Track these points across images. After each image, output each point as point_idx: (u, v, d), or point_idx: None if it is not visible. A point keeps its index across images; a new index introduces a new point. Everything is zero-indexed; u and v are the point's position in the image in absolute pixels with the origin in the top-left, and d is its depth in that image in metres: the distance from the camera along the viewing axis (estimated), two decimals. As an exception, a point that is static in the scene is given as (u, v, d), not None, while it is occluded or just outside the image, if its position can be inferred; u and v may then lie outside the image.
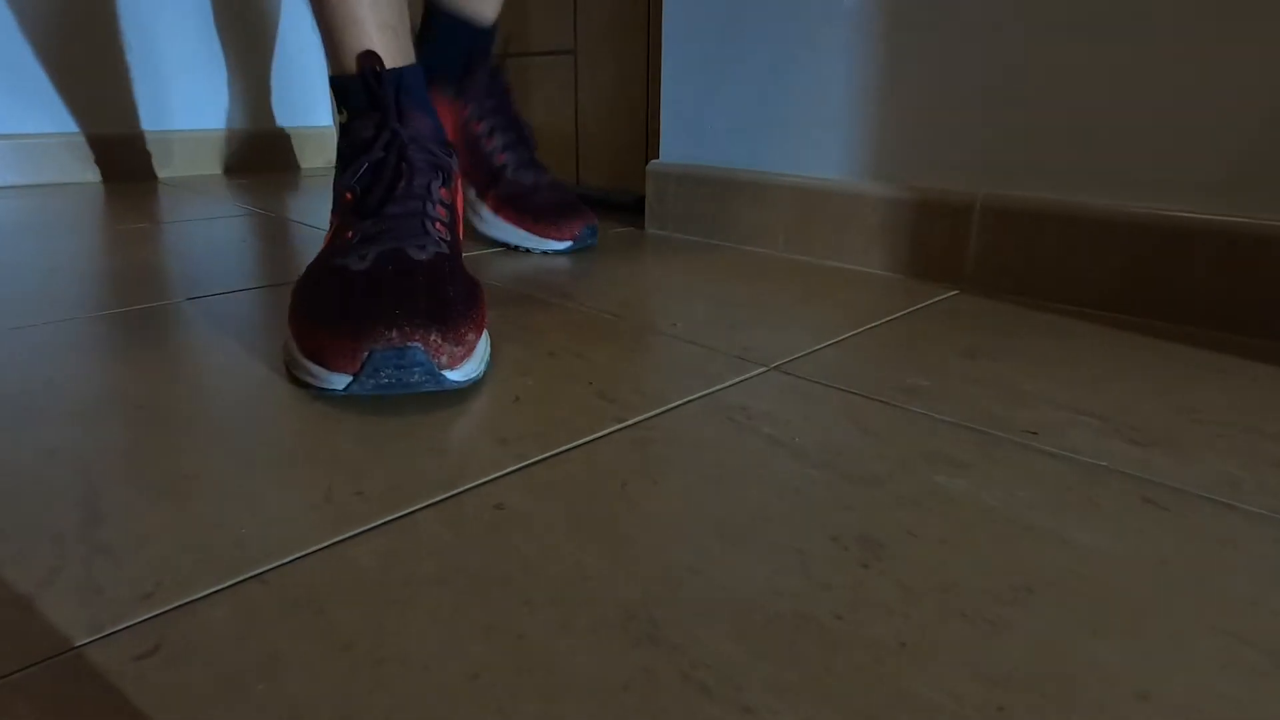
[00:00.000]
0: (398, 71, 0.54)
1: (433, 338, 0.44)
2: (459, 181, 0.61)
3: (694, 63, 0.94)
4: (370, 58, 0.54)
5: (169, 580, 0.30)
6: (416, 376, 0.44)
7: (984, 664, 0.27)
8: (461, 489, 0.37)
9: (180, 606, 0.29)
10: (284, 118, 1.64)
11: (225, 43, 1.55)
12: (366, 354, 0.43)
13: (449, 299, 0.46)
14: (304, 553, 0.32)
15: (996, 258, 0.73)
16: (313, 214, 1.14)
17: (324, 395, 0.46)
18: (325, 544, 0.33)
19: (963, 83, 0.74)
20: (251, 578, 0.31)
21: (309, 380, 0.45)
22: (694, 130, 0.96)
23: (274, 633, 0.28)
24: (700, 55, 0.94)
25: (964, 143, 0.74)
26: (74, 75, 1.41)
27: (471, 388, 0.49)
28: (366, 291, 0.46)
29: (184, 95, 1.52)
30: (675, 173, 0.98)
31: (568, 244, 0.81)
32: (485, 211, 0.83)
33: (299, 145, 1.66)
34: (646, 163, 1.04)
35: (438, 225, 0.53)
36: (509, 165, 0.83)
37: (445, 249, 0.52)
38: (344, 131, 0.56)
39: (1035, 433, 0.44)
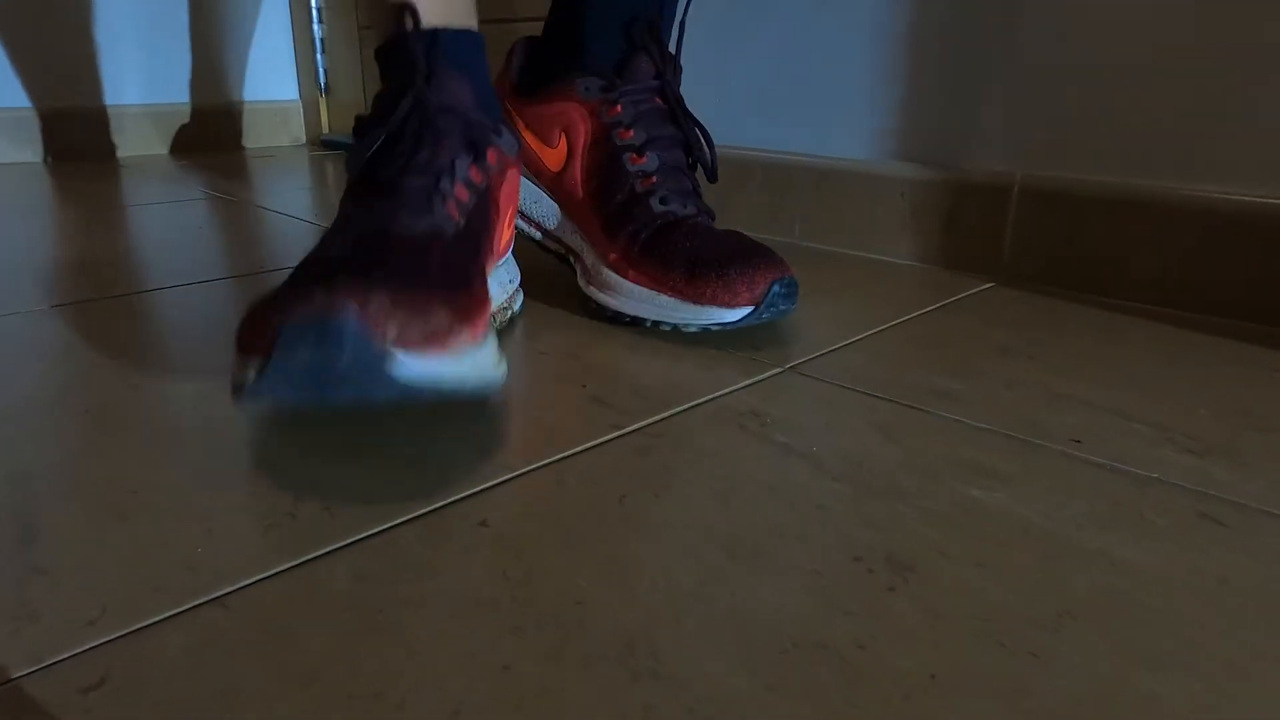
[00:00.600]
0: (432, 31, 0.50)
1: (374, 304, 0.34)
2: (511, 169, 0.54)
3: (698, 29, 0.94)
4: (404, 12, 0.49)
5: (115, 605, 0.30)
6: (348, 356, 0.34)
7: (1024, 699, 0.27)
8: (441, 504, 0.37)
9: (128, 634, 0.29)
10: (238, 91, 1.64)
11: (167, 10, 1.54)
12: (275, 328, 0.34)
13: (421, 266, 0.39)
14: (266, 575, 0.32)
15: (1036, 246, 0.73)
16: (277, 197, 1.14)
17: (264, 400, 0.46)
18: (289, 565, 0.33)
19: (1000, 52, 0.73)
20: (208, 602, 0.31)
21: (231, 380, 0.37)
22: (698, 105, 0.96)
23: (233, 663, 0.28)
24: (705, 21, 0.93)
25: (1001, 118, 0.74)
26: (14, 49, 1.40)
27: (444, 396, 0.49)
28: (324, 267, 0.38)
29: (127, 68, 1.52)
30: (679, 152, 0.98)
31: (744, 313, 0.55)
32: (606, 272, 0.61)
33: (252, 122, 1.66)
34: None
35: (449, 205, 0.47)
36: (657, 193, 0.61)
37: (448, 230, 0.45)
38: (371, 108, 0.54)
39: (1079, 440, 0.44)
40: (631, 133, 0.63)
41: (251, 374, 0.35)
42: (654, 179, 0.62)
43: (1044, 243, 0.72)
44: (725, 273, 0.56)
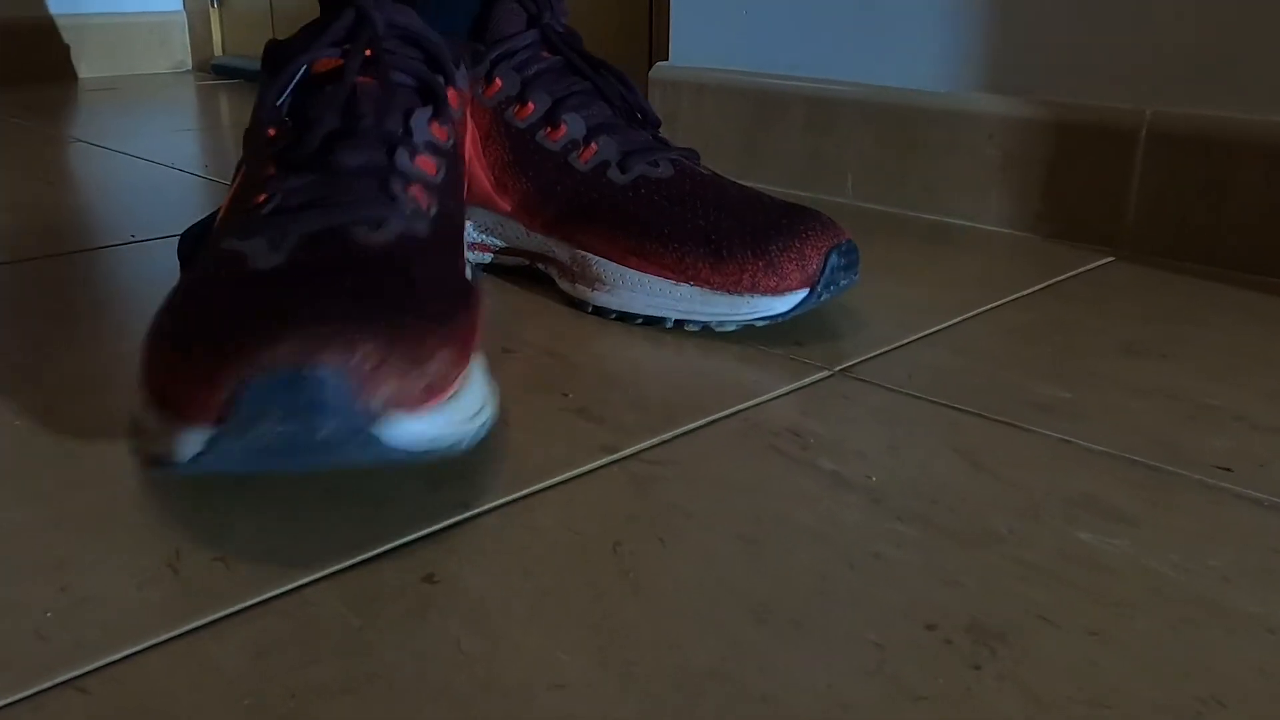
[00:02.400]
0: None
1: (360, 355, 0.35)
2: (469, 110, 0.53)
3: (721, -82, 0.94)
4: None
5: (-63, 689, 0.30)
6: (329, 426, 0.34)
7: (1155, 815, 0.27)
8: (374, 553, 0.37)
9: (-46, 729, 0.29)
10: (56, 3, 1.63)
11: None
12: (234, 387, 0.34)
13: (405, 291, 0.40)
14: (138, 648, 0.32)
15: (1170, 207, 0.73)
16: (150, 142, 1.14)
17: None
18: (169, 635, 0.33)
19: (1121, -53, 0.73)
20: (62, 684, 0.31)
21: (145, 447, 0.37)
22: (720, 20, 0.96)
23: (94, 768, 0.28)
24: (730, -93, 0.94)
25: (1125, 36, 0.74)
26: None
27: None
28: (268, 293, 0.38)
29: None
30: (692, 81, 0.98)
31: (799, 298, 0.55)
32: (597, 263, 0.60)
33: (118, 42, 1.66)
34: (649, 67, 1.04)
35: (413, 189, 0.47)
36: (610, 163, 0.61)
37: (421, 228, 0.45)
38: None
39: (1229, 469, 0.44)
40: (531, 104, 0.63)
41: (192, 446, 0.35)
42: (593, 145, 0.62)
43: (1181, 203, 0.72)
44: (764, 248, 0.55)
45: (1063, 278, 0.69)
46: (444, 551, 0.37)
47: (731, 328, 0.57)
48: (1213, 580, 0.36)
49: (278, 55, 0.51)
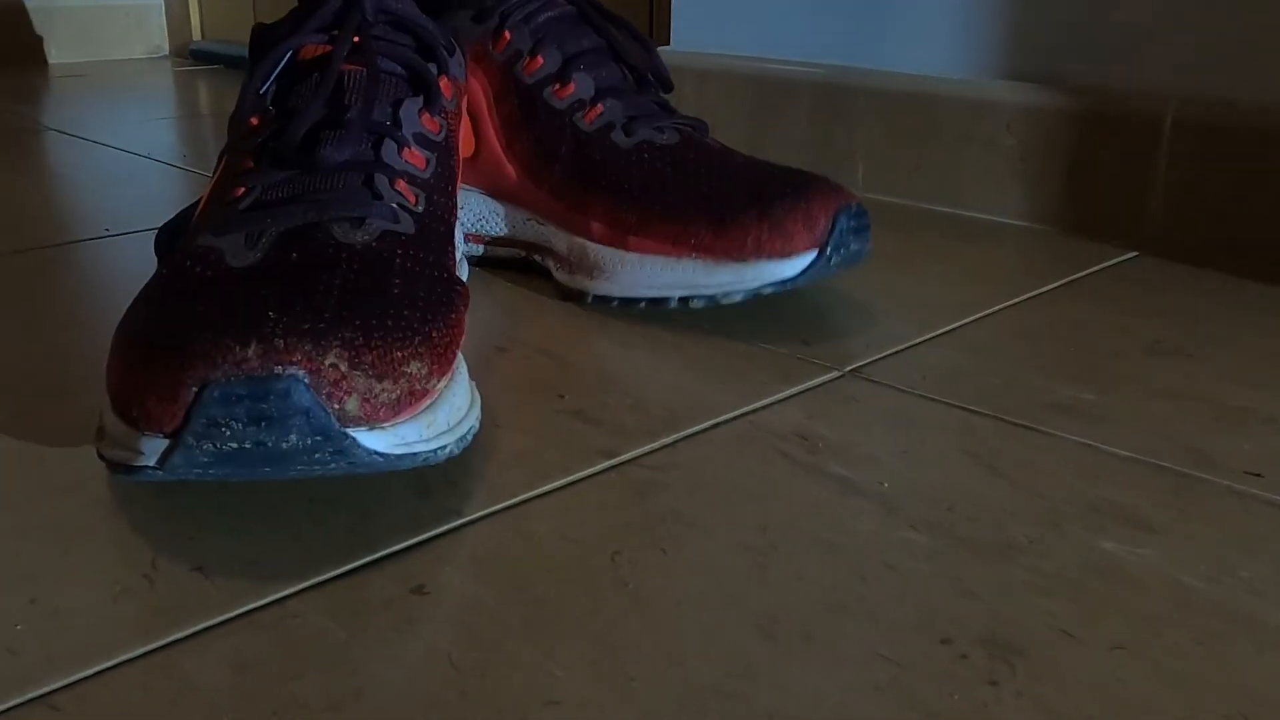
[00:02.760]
0: None
1: (327, 362, 0.35)
2: (461, 100, 0.54)
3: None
4: None
5: (-100, 706, 0.30)
6: (293, 436, 0.35)
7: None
8: (360, 562, 0.37)
9: (-82, 748, 0.29)
10: None
11: None
12: (194, 391, 0.35)
13: (382, 293, 0.40)
14: (111, 663, 0.32)
15: (1197, 200, 0.73)
16: (127, 132, 1.14)
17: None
18: (145, 649, 0.33)
19: (1146, -74, 0.73)
20: (32, 701, 0.30)
21: (107, 452, 0.37)
22: (724, 2, 0.96)
23: (65, 789, 0.28)
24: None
25: (1150, 21, 0.74)
26: None
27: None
28: (236, 293, 0.39)
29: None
30: (694, 67, 0.98)
31: (808, 260, 0.55)
32: (595, 250, 0.60)
33: (93, 25, 1.66)
34: (651, 51, 1.04)
35: (400, 184, 0.47)
36: (616, 124, 0.61)
37: (406, 226, 0.45)
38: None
39: (1260, 474, 0.44)
40: (540, 59, 0.63)
41: (150, 455, 0.35)
42: (600, 106, 0.62)
43: (1209, 196, 0.72)
44: (768, 210, 0.55)
45: (1084, 274, 0.69)
46: (434, 561, 0.37)
47: (739, 298, 0.56)
48: (1242, 591, 0.36)
49: (263, 40, 0.51)
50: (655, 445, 0.46)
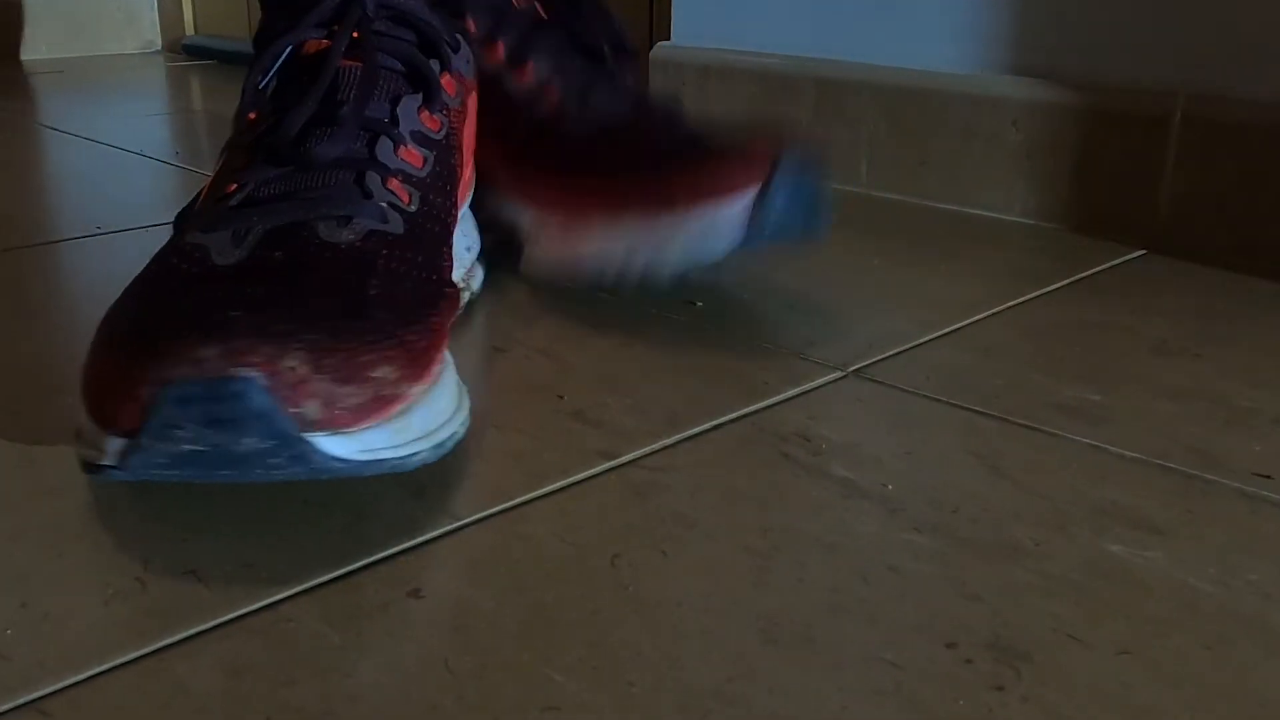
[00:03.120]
0: None
1: (288, 362, 0.35)
2: (470, 97, 0.53)
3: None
4: None
5: (-112, 712, 0.30)
6: (250, 439, 0.34)
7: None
8: (355, 566, 0.37)
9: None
10: None
11: None
12: (150, 392, 0.35)
13: (356, 295, 0.40)
14: (104, 668, 0.32)
15: (1206, 198, 0.73)
16: (118, 128, 1.14)
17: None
18: (137, 654, 0.33)
19: (1152, -80, 0.73)
20: (22, 706, 0.30)
21: (79, 451, 0.37)
22: (726, -5, 0.95)
23: (55, 796, 0.28)
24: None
25: (1158, 15, 0.74)
26: None
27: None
28: (212, 292, 0.39)
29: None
30: (695, 62, 0.98)
31: (749, 199, 0.53)
32: (550, 222, 0.60)
33: (84, 19, 1.66)
34: (650, 47, 1.04)
35: (392, 183, 0.47)
36: (568, 100, 0.62)
37: (395, 225, 0.45)
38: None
39: (1269, 476, 0.44)
40: (500, 47, 0.63)
41: (111, 454, 0.35)
42: (556, 91, 0.61)
43: (1217, 193, 0.72)
44: (703, 156, 0.54)
45: (1091, 272, 0.69)
46: (430, 564, 0.37)
47: (676, 259, 0.54)
48: (1252, 596, 0.36)
49: (265, 34, 0.51)
50: (655, 446, 0.46)
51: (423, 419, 0.38)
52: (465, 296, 0.60)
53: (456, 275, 0.59)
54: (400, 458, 0.37)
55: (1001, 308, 0.62)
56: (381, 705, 0.31)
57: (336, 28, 0.49)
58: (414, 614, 0.35)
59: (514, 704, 0.31)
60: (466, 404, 0.42)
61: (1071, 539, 0.39)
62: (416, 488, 0.42)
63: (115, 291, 0.42)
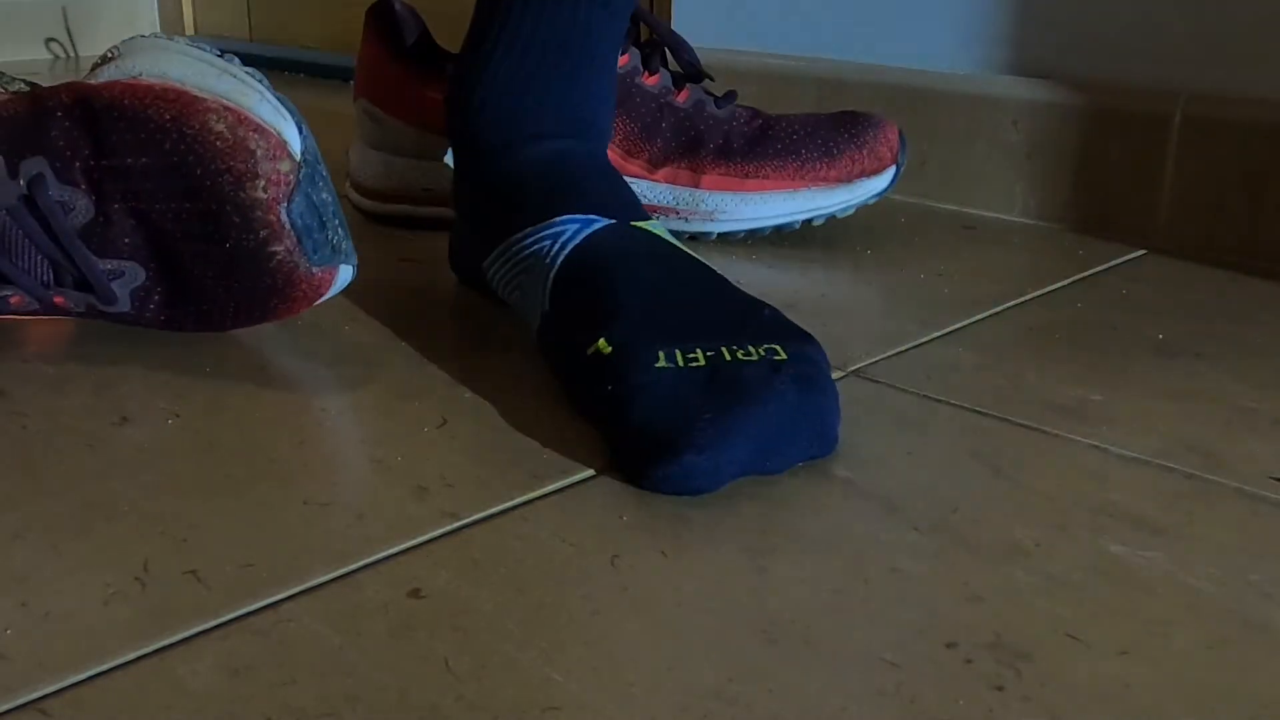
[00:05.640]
0: None
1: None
2: None
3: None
4: None
5: (-112, 712, 0.30)
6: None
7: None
8: (356, 566, 0.37)
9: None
10: None
11: None
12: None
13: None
14: (103, 668, 0.32)
15: (1207, 198, 0.73)
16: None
17: (145, 416, 0.46)
18: (137, 654, 0.33)
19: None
20: (23, 706, 0.31)
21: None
22: (726, -5, 0.95)
23: (55, 796, 0.28)
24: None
25: (1159, 15, 0.74)
26: None
27: (371, 402, 0.49)
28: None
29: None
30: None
31: (893, 174, 0.73)
32: (712, 197, 0.73)
33: (78, 17, 1.66)
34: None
35: None
36: (706, 101, 0.74)
37: None
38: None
39: (1276, 478, 0.44)
40: (626, 56, 0.73)
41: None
42: (686, 89, 0.74)
43: (1218, 194, 0.72)
44: (862, 141, 0.72)
45: (1091, 273, 0.69)
46: (430, 564, 0.37)
47: (851, 211, 0.73)
48: (1253, 596, 0.36)
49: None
50: None
51: None
52: None
53: None
54: None
55: (1001, 308, 0.62)
56: (381, 706, 0.31)
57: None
58: (414, 614, 0.35)
59: (514, 704, 0.31)
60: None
61: (1072, 539, 0.39)
62: (417, 488, 0.42)
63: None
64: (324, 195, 0.49)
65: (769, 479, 0.43)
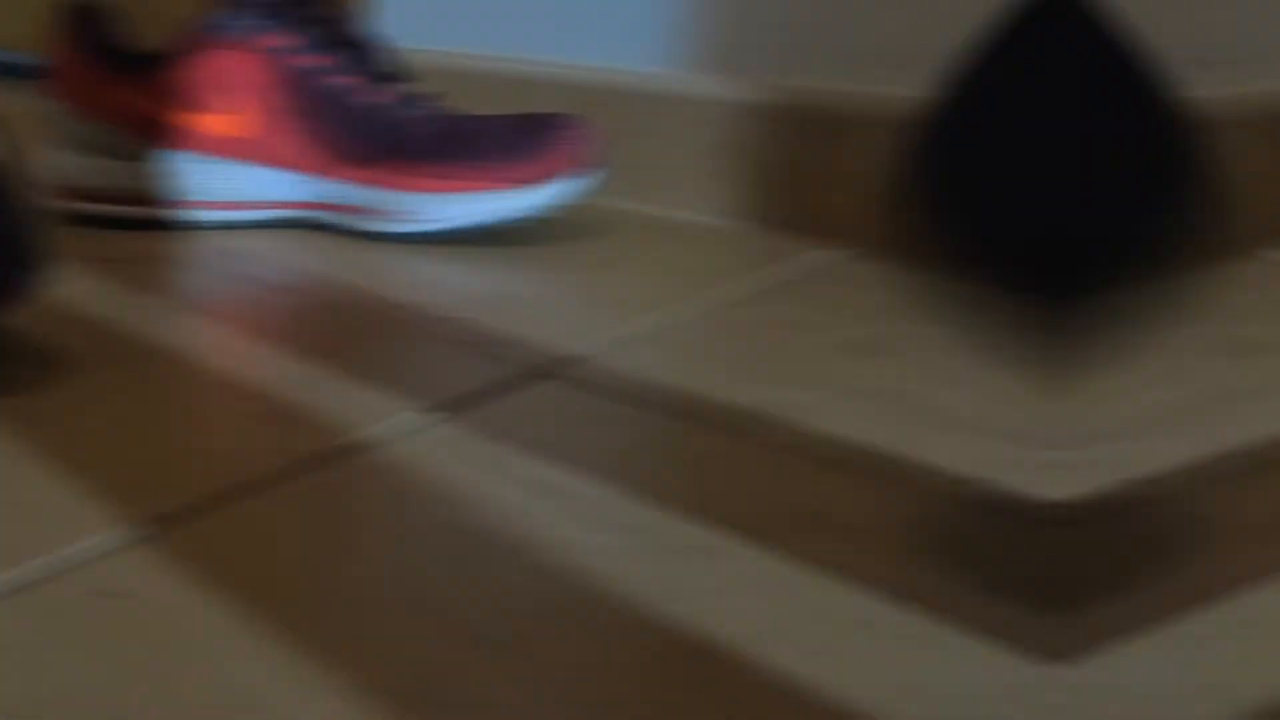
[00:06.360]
0: None
1: None
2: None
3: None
4: None
5: None
6: None
7: None
8: (41, 565, 0.36)
9: None
10: None
11: None
12: None
13: None
14: None
15: (879, 192, 0.71)
16: None
17: None
18: None
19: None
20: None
21: None
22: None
23: None
24: None
25: (841, 13, 0.73)
26: None
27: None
28: None
29: None
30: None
31: (586, 176, 0.73)
32: (402, 198, 0.73)
33: None
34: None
35: None
36: (396, 102, 0.75)
37: None
38: None
39: (975, 476, 0.44)
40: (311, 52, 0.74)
41: None
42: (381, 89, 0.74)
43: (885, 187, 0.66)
44: (548, 141, 0.71)
45: (786, 272, 0.69)
46: (124, 566, 0.36)
47: (547, 211, 0.72)
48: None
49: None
50: (371, 439, 0.46)
51: None
52: None
53: None
54: None
55: (693, 309, 0.62)
56: (73, 709, 0.29)
57: None
58: (111, 614, 0.33)
59: (206, 704, 0.30)
60: None
61: (769, 541, 0.39)
62: (100, 488, 0.41)
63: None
64: None
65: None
